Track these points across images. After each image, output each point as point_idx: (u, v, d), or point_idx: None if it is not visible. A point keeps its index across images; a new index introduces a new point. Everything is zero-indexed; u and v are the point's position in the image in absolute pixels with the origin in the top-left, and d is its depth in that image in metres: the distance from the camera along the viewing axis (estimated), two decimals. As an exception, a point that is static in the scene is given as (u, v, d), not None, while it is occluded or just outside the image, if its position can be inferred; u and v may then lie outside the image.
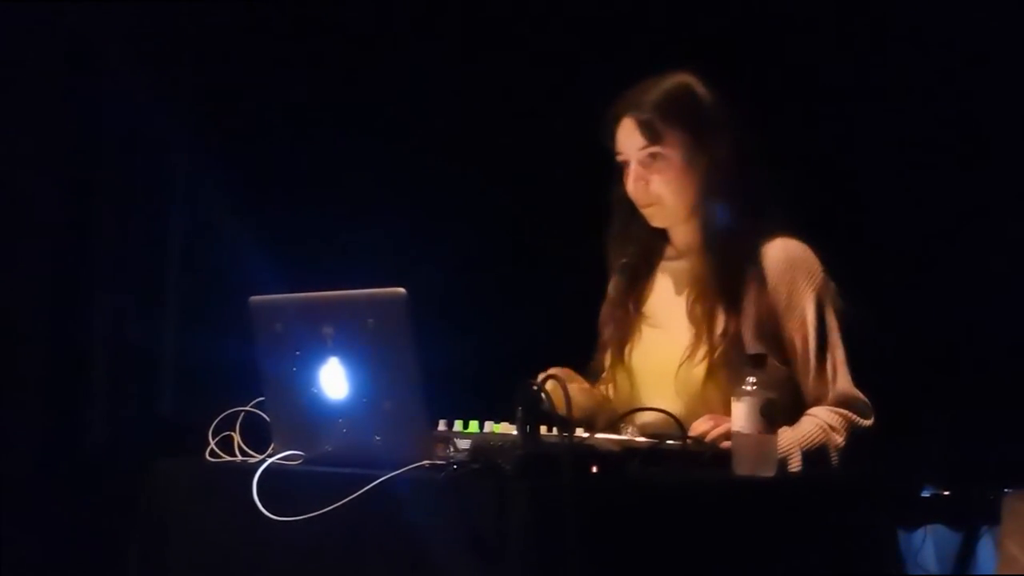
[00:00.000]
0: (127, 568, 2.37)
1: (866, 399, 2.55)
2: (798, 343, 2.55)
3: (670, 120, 2.60)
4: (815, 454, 2.44)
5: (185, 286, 3.94)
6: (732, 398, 2.22)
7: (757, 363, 2.23)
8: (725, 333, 2.56)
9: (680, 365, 2.58)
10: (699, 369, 2.57)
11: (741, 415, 2.19)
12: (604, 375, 2.76)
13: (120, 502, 2.55)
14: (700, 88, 2.65)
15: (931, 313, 3.69)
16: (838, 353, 2.56)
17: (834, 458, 2.46)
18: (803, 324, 2.55)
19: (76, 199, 3.89)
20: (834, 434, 2.47)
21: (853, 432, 2.50)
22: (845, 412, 2.51)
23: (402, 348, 2.07)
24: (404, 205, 3.90)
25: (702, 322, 2.59)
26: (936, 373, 3.66)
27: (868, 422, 2.52)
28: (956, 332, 3.68)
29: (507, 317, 3.77)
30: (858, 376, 2.57)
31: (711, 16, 3.80)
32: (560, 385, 2.05)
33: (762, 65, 3.74)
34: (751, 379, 2.20)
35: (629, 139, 2.63)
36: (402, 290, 2.06)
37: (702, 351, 2.57)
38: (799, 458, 2.42)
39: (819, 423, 2.48)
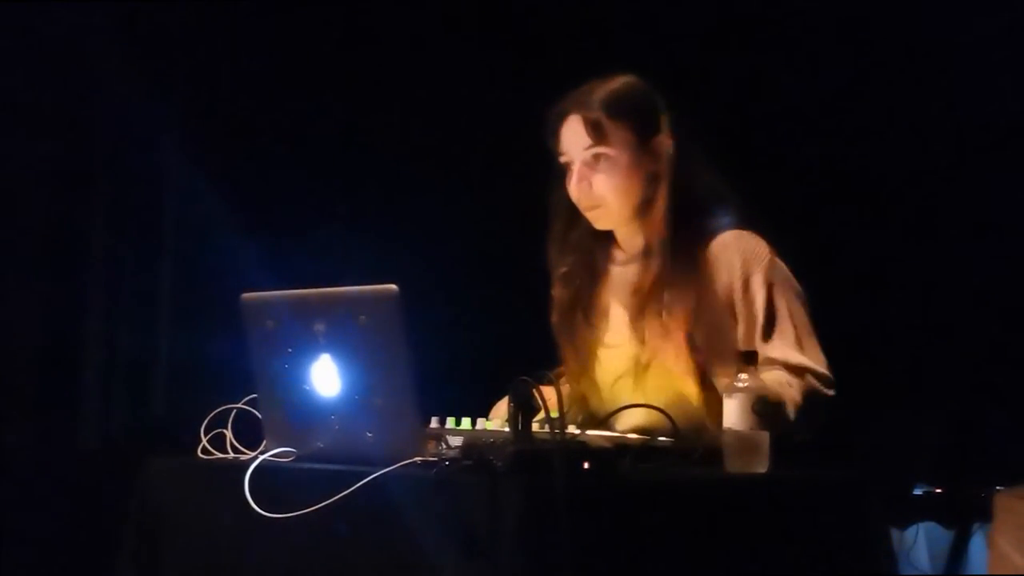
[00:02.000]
0: (120, 566, 2.37)
1: (828, 372, 2.49)
2: (743, 326, 2.52)
3: (617, 119, 2.57)
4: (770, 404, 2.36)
5: (177, 283, 3.94)
6: (724, 395, 2.22)
7: (748, 360, 2.23)
8: (670, 337, 2.54)
9: (617, 378, 2.59)
10: (653, 381, 2.57)
11: (733, 412, 2.19)
12: (570, 384, 2.73)
13: (113, 500, 2.54)
14: (646, 88, 2.63)
15: (926, 311, 3.70)
16: (789, 325, 2.51)
17: (790, 413, 2.40)
18: (751, 306, 2.52)
19: (68, 198, 3.88)
20: (790, 389, 2.43)
21: (812, 396, 2.44)
22: (803, 377, 2.46)
23: (394, 345, 2.06)
24: (397, 202, 3.90)
25: (646, 333, 2.57)
26: (929, 372, 3.67)
27: (829, 391, 2.47)
28: (950, 330, 3.68)
29: (501, 314, 3.77)
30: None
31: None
32: (553, 383, 2.05)
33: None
34: (743, 376, 2.20)
35: (575, 138, 2.60)
36: (394, 287, 2.06)
37: (650, 360, 2.56)
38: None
39: (777, 376, 2.45)
